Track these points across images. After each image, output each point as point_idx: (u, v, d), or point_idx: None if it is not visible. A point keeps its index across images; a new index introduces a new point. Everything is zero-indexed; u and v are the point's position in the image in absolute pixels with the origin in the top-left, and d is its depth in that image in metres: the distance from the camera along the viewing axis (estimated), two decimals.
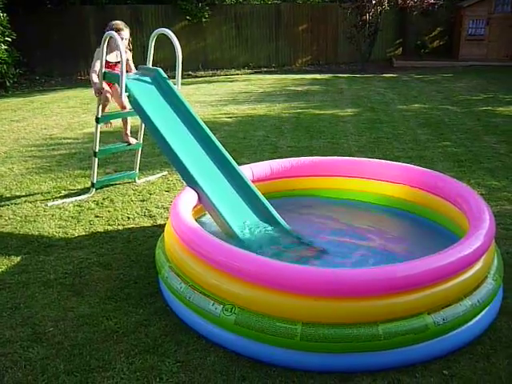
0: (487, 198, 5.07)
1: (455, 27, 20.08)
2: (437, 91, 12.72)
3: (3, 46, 13.56)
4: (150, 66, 5.37)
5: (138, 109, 4.63)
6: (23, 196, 5.64)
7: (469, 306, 2.87)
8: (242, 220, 4.05)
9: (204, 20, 18.52)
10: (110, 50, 5.16)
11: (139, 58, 17.52)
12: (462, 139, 7.71)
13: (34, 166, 6.82)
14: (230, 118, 9.80)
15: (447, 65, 18.27)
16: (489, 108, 10.25)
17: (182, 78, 5.20)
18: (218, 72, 18.81)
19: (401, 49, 20.98)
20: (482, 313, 2.98)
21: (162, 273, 3.40)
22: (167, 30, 5.09)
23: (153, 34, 5.27)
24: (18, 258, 4.14)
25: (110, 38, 4.86)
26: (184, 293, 3.11)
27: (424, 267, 2.81)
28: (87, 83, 16.22)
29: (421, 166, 5.00)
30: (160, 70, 4.92)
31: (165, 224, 4.04)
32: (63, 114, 10.81)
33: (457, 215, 3.77)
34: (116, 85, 5.05)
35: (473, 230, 3.14)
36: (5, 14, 13.83)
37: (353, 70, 18.13)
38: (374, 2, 15.90)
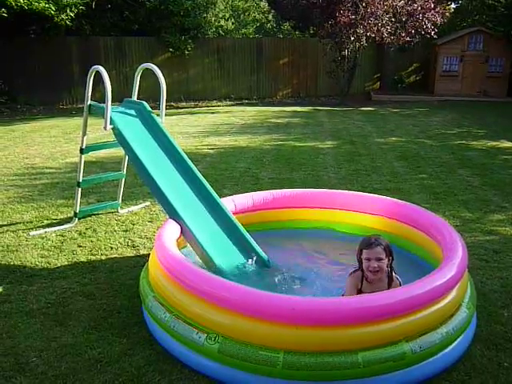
0: (461, 229, 5.24)
1: (431, 63, 20.77)
2: (413, 125, 13.08)
3: None
4: (135, 98, 5.49)
5: (122, 141, 4.70)
6: (5, 225, 5.64)
7: (444, 334, 2.97)
8: (222, 251, 4.11)
9: (187, 52, 18.86)
10: None
11: (122, 87, 17.67)
12: (438, 172, 7.94)
13: (15, 195, 6.82)
14: (212, 149, 9.94)
15: (423, 99, 18.82)
16: (463, 142, 10.59)
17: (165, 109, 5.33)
18: (200, 103, 19.09)
19: (379, 83, 21.56)
20: (457, 340, 3.08)
21: (146, 302, 3.44)
22: (153, 65, 5.22)
23: (138, 69, 5.41)
24: (0, 288, 4.13)
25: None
26: (168, 322, 3.16)
27: (401, 296, 2.93)
28: (69, 113, 16.34)
29: (398, 198, 5.16)
30: (145, 103, 5.03)
31: (148, 254, 4.09)
32: (45, 143, 10.84)
33: (431, 246, 3.91)
34: None
35: (446, 261, 3.27)
36: None
37: (332, 103, 18.55)
38: (352, 38, 16.41)
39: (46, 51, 17.55)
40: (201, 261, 4.06)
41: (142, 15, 18.74)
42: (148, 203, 6.35)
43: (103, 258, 4.75)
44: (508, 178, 7.59)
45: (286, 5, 17.99)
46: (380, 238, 3.34)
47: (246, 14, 29.41)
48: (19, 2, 14.06)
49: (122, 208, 6.09)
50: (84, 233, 5.38)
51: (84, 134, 5.42)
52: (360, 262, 3.34)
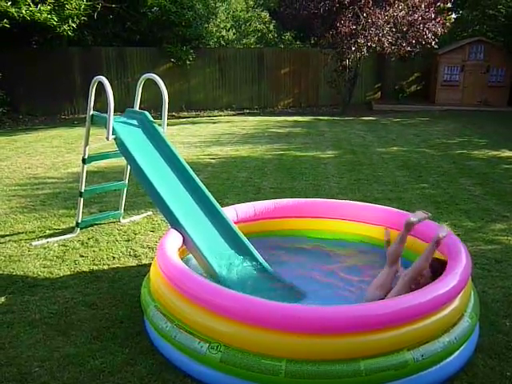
0: (463, 238, 5.23)
1: (431, 73, 20.84)
2: (414, 134, 13.10)
3: None
4: (137, 108, 5.52)
5: (124, 151, 4.72)
6: (7, 235, 5.65)
7: (446, 343, 2.97)
8: (224, 261, 4.12)
9: (188, 62, 18.92)
10: None
11: (124, 97, 17.76)
12: (439, 181, 7.95)
13: (18, 205, 6.84)
14: (214, 159, 9.97)
15: (424, 109, 18.85)
16: (464, 151, 10.61)
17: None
18: (202, 113, 19.13)
19: (380, 93, 21.62)
20: (460, 350, 3.08)
21: (148, 312, 3.45)
22: (155, 75, 5.25)
23: (141, 79, 5.44)
24: (3, 298, 4.14)
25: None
26: (170, 332, 3.16)
27: (404, 305, 2.93)
28: (71, 123, 16.39)
29: (399, 208, 5.17)
30: (147, 113, 5.07)
31: (150, 264, 4.10)
32: (47, 153, 10.86)
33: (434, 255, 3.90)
34: None
35: (449, 270, 3.27)
36: None
37: (333, 112, 18.61)
38: (353, 48, 16.48)
39: (48, 62, 17.60)
40: (202, 270, 4.06)
41: (144, 26, 18.84)
42: (150, 213, 6.37)
43: (105, 267, 4.76)
44: (509, 187, 7.60)
45: (288, 15, 18.06)
46: (439, 259, 3.59)
47: (248, 24, 29.54)
48: (21, 12, 14.11)
49: (124, 218, 6.11)
50: (86, 243, 5.39)
51: (86, 143, 5.45)
52: None
